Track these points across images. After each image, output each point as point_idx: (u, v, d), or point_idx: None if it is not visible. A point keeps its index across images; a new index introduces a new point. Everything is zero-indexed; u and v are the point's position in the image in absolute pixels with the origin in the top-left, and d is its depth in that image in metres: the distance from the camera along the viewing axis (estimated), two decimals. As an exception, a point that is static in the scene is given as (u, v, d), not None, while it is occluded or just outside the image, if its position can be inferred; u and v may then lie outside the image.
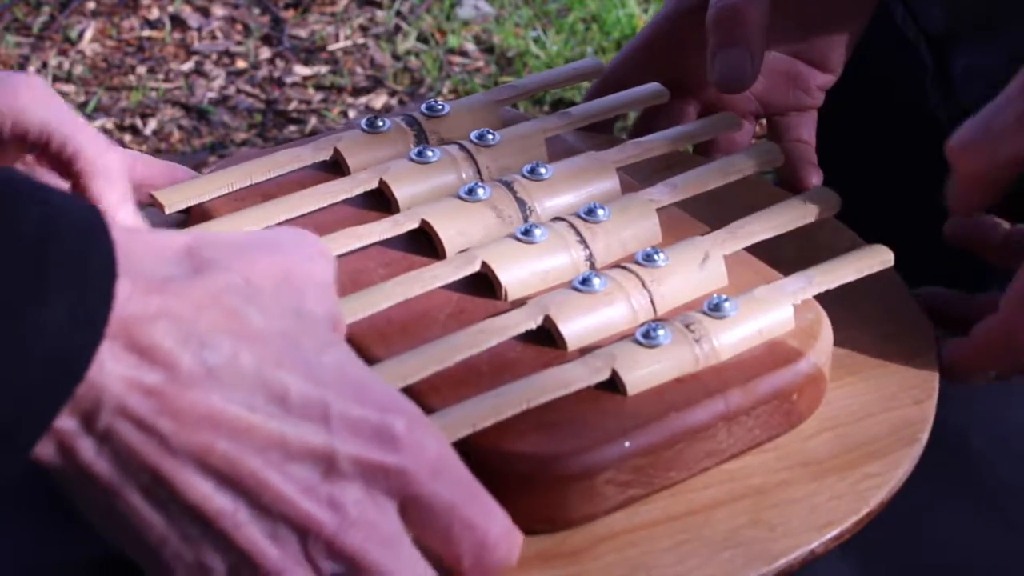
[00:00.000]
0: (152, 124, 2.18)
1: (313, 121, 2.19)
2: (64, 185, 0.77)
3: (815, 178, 0.92)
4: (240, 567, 0.57)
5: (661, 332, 0.72)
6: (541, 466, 0.68)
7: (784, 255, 0.80)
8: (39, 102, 0.75)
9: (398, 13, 2.34)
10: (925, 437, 0.75)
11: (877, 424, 0.75)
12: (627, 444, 0.69)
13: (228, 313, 0.58)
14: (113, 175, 0.77)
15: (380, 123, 0.85)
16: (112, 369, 0.55)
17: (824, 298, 0.77)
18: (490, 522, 0.61)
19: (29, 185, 0.56)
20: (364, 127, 0.85)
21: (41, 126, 0.75)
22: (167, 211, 0.80)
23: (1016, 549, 0.81)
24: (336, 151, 0.84)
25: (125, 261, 0.56)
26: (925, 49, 0.99)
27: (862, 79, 0.95)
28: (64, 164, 0.76)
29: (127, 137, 2.16)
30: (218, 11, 2.37)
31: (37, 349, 0.54)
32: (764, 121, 0.97)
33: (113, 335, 0.55)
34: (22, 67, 2.23)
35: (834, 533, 0.70)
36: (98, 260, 0.55)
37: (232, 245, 0.60)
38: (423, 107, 0.87)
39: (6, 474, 0.55)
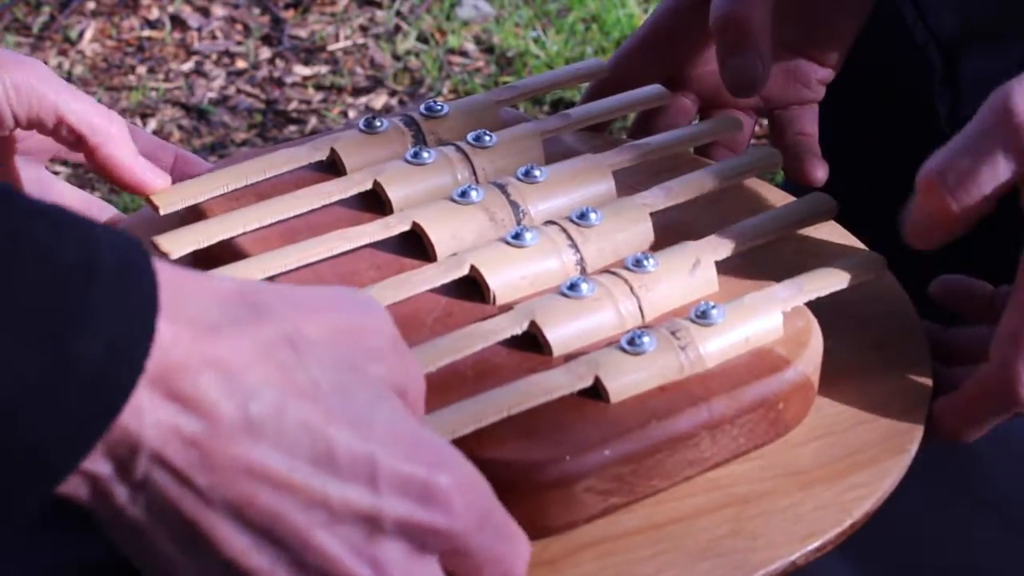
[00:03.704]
0: (152, 124, 2.18)
1: (313, 121, 2.19)
2: (77, 157, 0.80)
3: (820, 170, 0.91)
4: None
5: (646, 339, 0.71)
6: (520, 473, 0.67)
7: (780, 259, 0.80)
8: (47, 83, 0.76)
9: (398, 13, 2.34)
10: (915, 448, 0.74)
11: (866, 433, 0.75)
12: (607, 452, 0.68)
13: (278, 366, 0.56)
14: (121, 139, 0.79)
15: (378, 123, 0.85)
16: (151, 417, 0.54)
17: (815, 304, 0.77)
18: (517, 557, 0.61)
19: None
20: (362, 127, 0.84)
21: (53, 107, 0.76)
22: (162, 212, 0.79)
23: (1014, 550, 0.81)
24: (333, 151, 0.83)
25: (170, 302, 0.54)
26: (934, 53, 0.99)
27: (871, 79, 0.95)
28: (77, 138, 0.78)
29: (127, 136, 2.16)
30: (218, 11, 2.36)
31: (72, 380, 0.52)
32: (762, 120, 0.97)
33: (154, 381, 0.53)
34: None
35: (816, 544, 0.69)
36: (139, 296, 0.54)
37: (284, 293, 0.59)
38: (422, 108, 0.86)
39: (30, 509, 0.53)
